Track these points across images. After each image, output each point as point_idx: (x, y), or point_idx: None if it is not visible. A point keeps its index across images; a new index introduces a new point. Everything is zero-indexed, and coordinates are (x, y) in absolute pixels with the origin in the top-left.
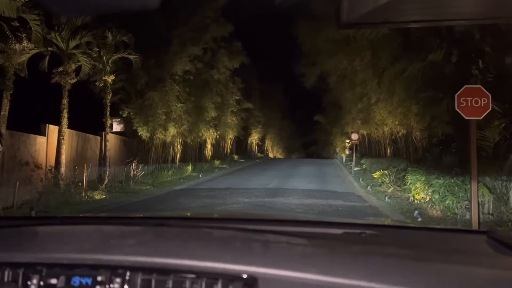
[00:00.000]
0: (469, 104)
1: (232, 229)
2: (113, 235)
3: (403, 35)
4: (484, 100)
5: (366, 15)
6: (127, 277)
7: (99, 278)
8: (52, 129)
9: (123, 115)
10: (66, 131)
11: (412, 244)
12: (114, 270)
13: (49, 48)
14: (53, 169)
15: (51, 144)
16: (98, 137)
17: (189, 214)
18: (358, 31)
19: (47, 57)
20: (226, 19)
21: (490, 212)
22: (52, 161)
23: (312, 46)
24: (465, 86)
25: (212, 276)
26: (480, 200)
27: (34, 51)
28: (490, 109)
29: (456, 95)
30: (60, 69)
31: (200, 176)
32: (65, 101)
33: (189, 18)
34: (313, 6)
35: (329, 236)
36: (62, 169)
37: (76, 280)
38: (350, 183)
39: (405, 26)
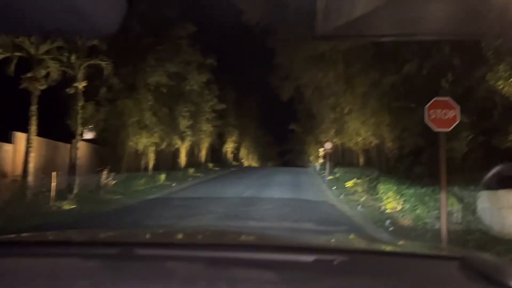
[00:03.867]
0: (438, 116)
1: (199, 260)
2: (64, 274)
3: (376, 48)
4: (452, 112)
5: (340, 28)
6: None
7: None
8: (20, 137)
9: (95, 121)
10: (35, 139)
11: (384, 274)
12: None
13: (16, 53)
14: (19, 178)
15: (19, 152)
16: (68, 145)
17: (159, 231)
18: (332, 44)
19: (14, 62)
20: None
21: (459, 221)
22: (19, 169)
23: (286, 60)
24: (435, 98)
25: None
26: (449, 210)
27: (1, 56)
28: (459, 121)
29: (425, 107)
30: (29, 74)
31: (174, 185)
32: (34, 108)
33: (162, 39)
34: (286, 22)
35: (300, 266)
36: (30, 178)
37: None
38: (323, 192)
39: (378, 40)
